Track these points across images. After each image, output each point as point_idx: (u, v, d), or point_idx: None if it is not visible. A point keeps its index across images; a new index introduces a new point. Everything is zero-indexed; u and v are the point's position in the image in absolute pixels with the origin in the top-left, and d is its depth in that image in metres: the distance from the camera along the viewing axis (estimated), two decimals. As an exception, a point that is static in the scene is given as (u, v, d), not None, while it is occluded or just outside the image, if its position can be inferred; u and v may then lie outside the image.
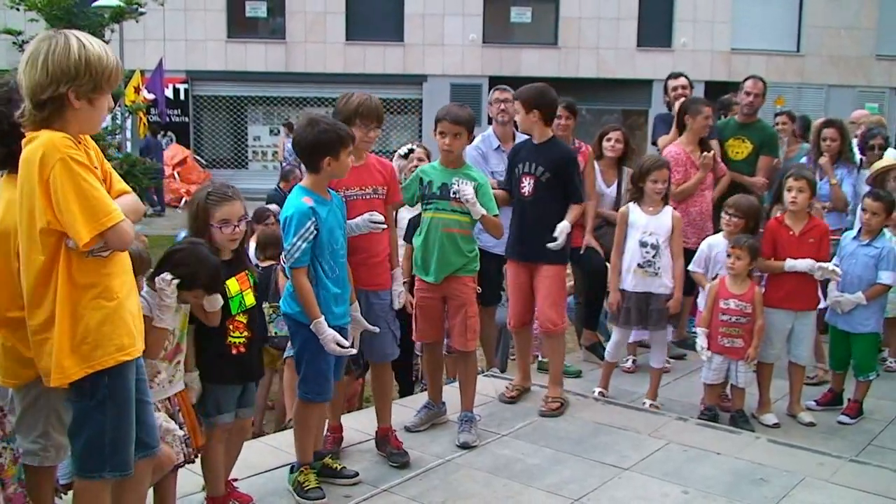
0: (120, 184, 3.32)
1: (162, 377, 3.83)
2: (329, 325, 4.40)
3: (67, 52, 2.96)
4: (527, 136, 6.14)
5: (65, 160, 2.92)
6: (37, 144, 2.96)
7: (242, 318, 4.09)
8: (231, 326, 4.07)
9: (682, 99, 7.92)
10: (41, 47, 2.98)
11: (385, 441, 5.14)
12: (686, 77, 8.38)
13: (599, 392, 6.40)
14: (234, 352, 4.12)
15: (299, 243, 4.34)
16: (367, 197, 4.95)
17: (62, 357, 3.06)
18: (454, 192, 5.24)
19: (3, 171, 3.42)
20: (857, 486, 4.88)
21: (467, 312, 5.37)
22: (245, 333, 4.15)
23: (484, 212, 5.25)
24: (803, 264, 5.97)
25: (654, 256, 6.14)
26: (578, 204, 5.89)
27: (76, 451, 3.26)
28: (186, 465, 4.02)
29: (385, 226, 4.83)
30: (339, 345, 4.38)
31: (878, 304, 6.29)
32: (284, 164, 17.22)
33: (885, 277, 6.16)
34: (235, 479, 4.45)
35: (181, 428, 3.92)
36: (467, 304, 5.38)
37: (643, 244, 6.16)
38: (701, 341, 6.05)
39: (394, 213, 5.19)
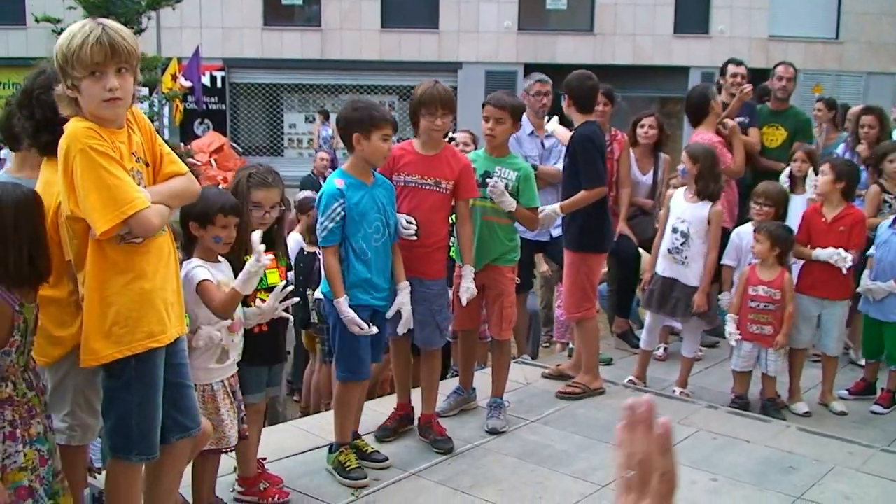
0: (172, 165, 3.34)
1: (236, 343, 3.94)
2: (361, 304, 4.49)
3: (69, 37, 3.01)
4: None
5: (85, 150, 2.97)
6: (64, 135, 3.03)
7: (264, 296, 4.13)
8: (254, 304, 4.12)
9: (736, 87, 7.85)
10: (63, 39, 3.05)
11: (429, 427, 5.18)
12: (745, 66, 8.11)
13: (630, 381, 6.40)
14: (256, 330, 4.16)
15: (326, 223, 4.46)
16: (427, 188, 4.92)
17: (92, 339, 3.13)
18: (489, 186, 5.23)
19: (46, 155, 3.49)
20: (888, 476, 4.86)
21: (503, 303, 5.38)
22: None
23: (513, 206, 5.23)
24: (824, 254, 5.93)
25: (682, 244, 6.12)
26: (589, 189, 5.72)
27: (107, 430, 3.34)
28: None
29: (414, 237, 4.79)
30: (358, 326, 4.44)
31: None
32: (318, 150, 17.30)
33: None
34: (265, 459, 4.52)
35: (241, 406, 4.01)
36: (504, 294, 5.39)
37: (674, 230, 6.16)
38: (730, 327, 6.03)
39: (468, 208, 5.09)
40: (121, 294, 3.13)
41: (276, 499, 4.29)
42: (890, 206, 6.61)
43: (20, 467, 3.09)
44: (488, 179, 5.26)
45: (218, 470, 4.15)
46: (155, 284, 3.20)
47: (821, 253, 5.96)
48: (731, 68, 8.05)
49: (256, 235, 3.74)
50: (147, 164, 3.23)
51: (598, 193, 5.77)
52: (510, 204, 5.23)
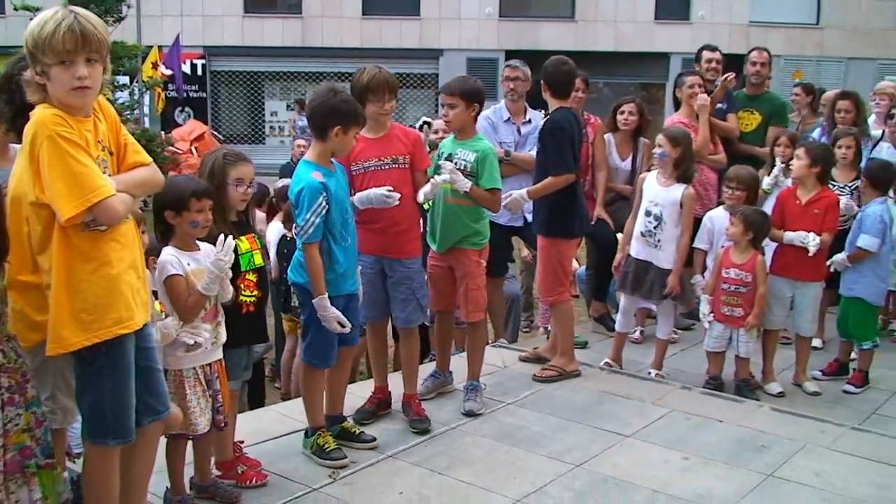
0: (137, 155, 3.36)
1: (206, 338, 3.93)
2: (340, 294, 4.54)
3: (40, 25, 3.01)
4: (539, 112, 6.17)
5: (52, 137, 2.98)
6: (31, 121, 3.04)
7: (252, 277, 4.19)
8: (242, 285, 4.17)
9: (713, 73, 7.96)
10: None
11: (408, 407, 5.26)
12: (720, 52, 8.18)
13: (606, 363, 6.47)
14: (244, 311, 4.22)
15: (312, 219, 4.41)
16: (386, 167, 4.97)
17: (60, 327, 3.13)
18: (440, 167, 5.22)
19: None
20: (857, 454, 4.94)
21: (469, 285, 5.41)
22: (255, 293, 4.27)
23: (467, 186, 5.18)
24: (792, 236, 6.04)
25: (655, 227, 6.19)
26: (556, 176, 5.73)
27: (83, 416, 3.36)
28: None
29: (397, 202, 4.79)
30: (340, 324, 4.49)
31: (869, 269, 6.29)
32: (296, 139, 17.29)
33: (863, 241, 6.23)
34: (242, 442, 4.56)
35: (217, 396, 4.03)
36: (469, 276, 5.40)
37: (647, 213, 6.24)
38: (704, 308, 6.13)
39: (425, 180, 5.11)
40: (88, 281, 3.13)
41: (253, 481, 4.33)
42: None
43: (21, 429, 3.17)
44: (442, 161, 5.29)
45: (185, 455, 4.16)
46: (121, 270, 3.21)
47: (789, 235, 6.06)
48: (706, 54, 8.12)
49: (229, 241, 3.79)
50: (111, 154, 3.24)
51: (565, 180, 5.77)
52: (464, 184, 5.17)
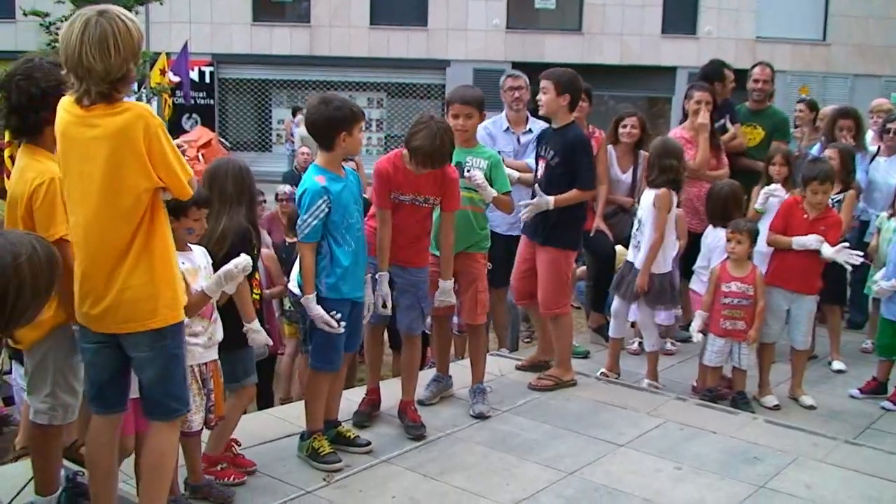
0: None
1: (202, 337, 4.01)
2: (341, 297, 4.61)
3: (129, 32, 3.19)
4: (541, 121, 6.22)
5: (162, 126, 3.23)
6: (133, 116, 3.19)
7: (257, 276, 4.31)
8: (252, 283, 4.29)
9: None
10: (105, 31, 3.14)
11: (404, 413, 5.30)
12: (735, 71, 8.23)
13: (602, 373, 6.50)
14: (254, 307, 4.37)
15: (310, 220, 4.51)
16: (417, 203, 5.12)
17: (164, 302, 3.36)
18: (466, 175, 5.39)
19: (19, 140, 3.62)
20: (848, 467, 4.97)
21: (477, 287, 5.58)
22: (258, 291, 4.49)
23: (495, 193, 5.45)
24: (812, 239, 5.99)
25: (638, 230, 6.37)
26: (584, 191, 5.86)
27: (151, 396, 3.49)
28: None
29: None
30: (326, 323, 4.55)
31: None
32: (289, 146, 17.44)
33: None
34: (238, 444, 4.62)
35: (210, 395, 4.10)
36: (478, 279, 5.59)
37: (637, 219, 6.43)
38: (696, 324, 6.12)
39: (453, 219, 5.26)
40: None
41: (230, 479, 4.38)
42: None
43: None
44: (466, 174, 5.41)
45: (178, 455, 4.19)
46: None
47: (799, 240, 6.02)
48: (728, 74, 8.10)
49: (248, 263, 3.94)
50: None
51: (591, 195, 6.08)
52: (491, 193, 5.44)
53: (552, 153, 5.92)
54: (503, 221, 6.69)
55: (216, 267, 4.00)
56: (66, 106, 3.29)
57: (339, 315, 4.59)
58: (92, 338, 3.40)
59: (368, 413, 5.39)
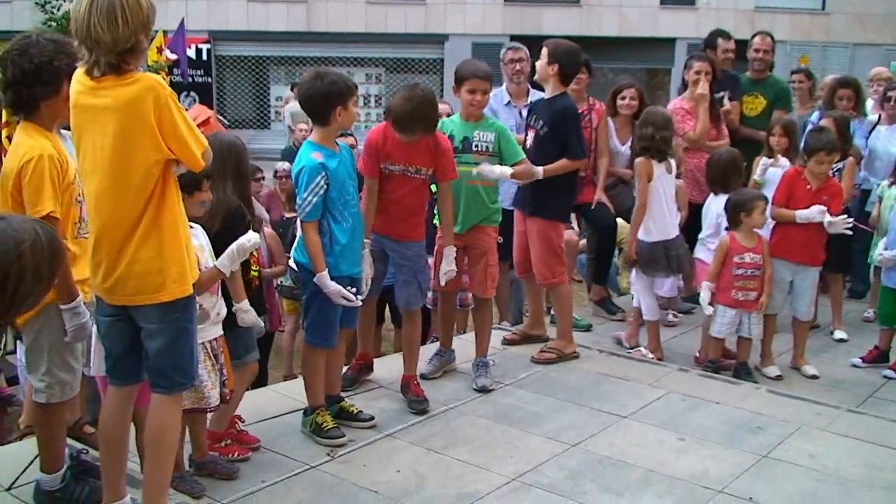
0: None
1: (212, 313, 4.01)
2: (340, 275, 4.60)
3: (138, 3, 3.17)
4: (541, 92, 6.19)
5: (173, 97, 3.21)
6: (143, 88, 3.16)
7: (254, 253, 4.27)
8: (251, 260, 4.29)
9: (728, 63, 8.05)
10: (114, 2, 3.12)
11: (406, 388, 5.31)
12: (734, 41, 8.17)
13: (654, 357, 6.44)
14: (254, 284, 4.40)
15: (310, 198, 4.49)
16: (409, 174, 5.07)
17: (173, 276, 3.34)
18: (476, 173, 5.40)
19: (18, 117, 3.61)
20: (851, 435, 4.98)
21: (488, 261, 5.58)
22: (257, 267, 4.49)
23: (510, 171, 5.47)
24: (815, 211, 5.98)
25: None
26: (573, 160, 5.83)
27: (159, 369, 3.45)
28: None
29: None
30: (343, 297, 4.55)
31: None
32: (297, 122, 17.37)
33: None
34: (242, 421, 4.63)
35: (222, 370, 4.11)
36: (489, 252, 5.59)
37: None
38: (706, 295, 6.05)
39: (450, 189, 5.24)
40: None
41: (235, 455, 4.39)
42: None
43: None
44: (476, 170, 5.42)
45: (185, 432, 4.21)
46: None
47: (803, 213, 6.02)
48: (722, 42, 8.06)
49: (257, 237, 3.95)
50: None
51: (580, 164, 6.03)
52: (507, 172, 5.47)
53: (541, 122, 5.89)
54: (505, 196, 6.67)
55: (214, 245, 4.00)
56: (78, 77, 3.27)
57: (353, 289, 4.63)
58: (106, 310, 3.40)
59: (355, 378, 5.45)
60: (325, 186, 4.51)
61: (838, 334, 7.06)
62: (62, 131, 3.79)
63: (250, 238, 3.89)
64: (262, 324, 4.47)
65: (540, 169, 5.75)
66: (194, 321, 3.52)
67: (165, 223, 3.30)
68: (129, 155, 3.19)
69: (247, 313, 4.24)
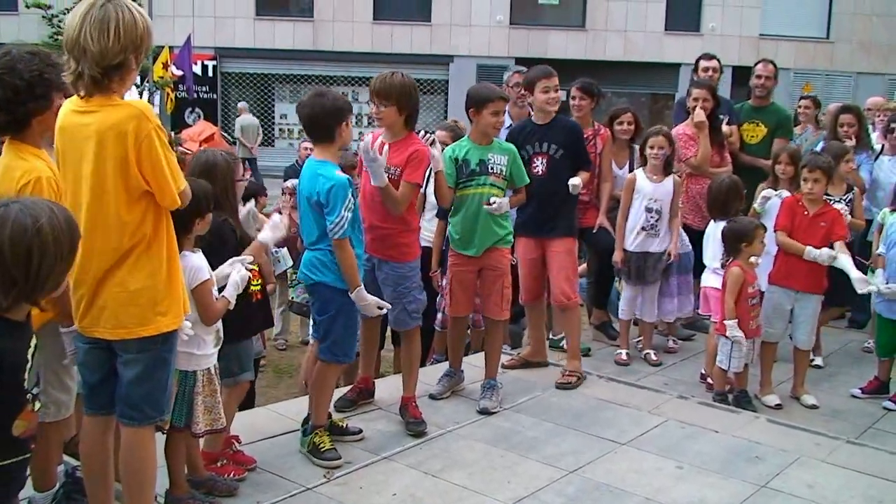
0: None
1: (212, 338, 3.98)
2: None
3: (133, 21, 3.12)
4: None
5: (158, 129, 3.15)
6: (126, 115, 3.11)
7: (255, 266, 4.25)
8: (252, 275, 4.24)
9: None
10: (109, 15, 3.08)
11: (405, 409, 5.29)
12: (718, 60, 8.19)
13: (626, 353, 6.80)
14: (254, 299, 4.37)
15: (346, 214, 4.48)
16: (389, 174, 4.99)
17: (155, 311, 3.30)
18: (491, 201, 5.43)
19: (4, 136, 3.54)
20: (850, 467, 4.95)
21: (504, 283, 5.59)
22: (260, 280, 4.46)
23: (507, 203, 5.57)
24: (825, 254, 5.92)
25: (657, 221, 6.61)
26: (588, 171, 6.15)
27: (142, 398, 3.38)
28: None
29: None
30: (380, 308, 4.70)
31: None
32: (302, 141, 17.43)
33: None
34: (239, 441, 4.60)
35: (220, 393, 4.07)
36: (504, 274, 5.61)
37: (648, 210, 6.59)
38: (735, 332, 5.81)
39: (409, 190, 5.02)
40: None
41: (231, 475, 4.36)
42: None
43: None
44: (486, 205, 5.44)
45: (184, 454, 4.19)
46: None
47: (817, 254, 5.94)
48: (703, 62, 8.17)
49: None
50: None
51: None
52: (506, 204, 5.56)
53: (554, 147, 5.96)
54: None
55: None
56: (68, 103, 3.26)
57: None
58: (84, 338, 3.35)
59: (354, 399, 5.45)
60: (353, 201, 4.55)
61: (816, 361, 6.97)
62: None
63: (243, 275, 3.96)
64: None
65: (578, 180, 5.97)
66: (174, 352, 3.47)
67: (154, 256, 3.26)
68: (106, 183, 3.15)
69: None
